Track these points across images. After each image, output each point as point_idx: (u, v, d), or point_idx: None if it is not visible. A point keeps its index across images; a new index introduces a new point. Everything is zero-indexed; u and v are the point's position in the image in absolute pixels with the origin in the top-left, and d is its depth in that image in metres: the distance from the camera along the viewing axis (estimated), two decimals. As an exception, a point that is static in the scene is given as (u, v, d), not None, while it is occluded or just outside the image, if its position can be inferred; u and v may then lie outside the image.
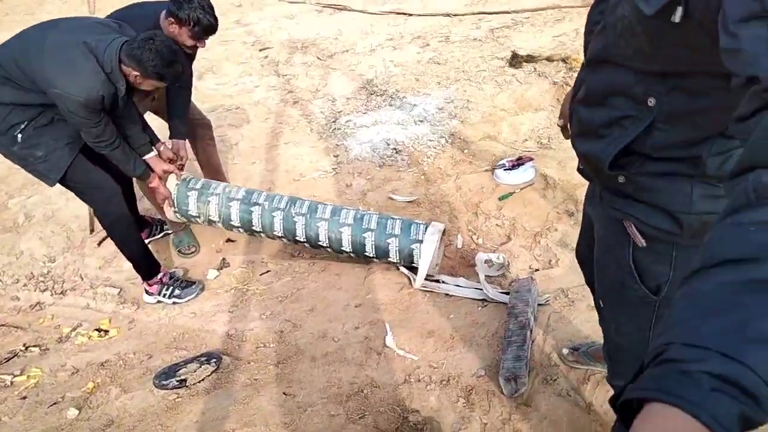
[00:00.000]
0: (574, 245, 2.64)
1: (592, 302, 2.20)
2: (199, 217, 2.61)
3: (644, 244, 1.10)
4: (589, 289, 2.32)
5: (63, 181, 2.41)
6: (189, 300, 2.64)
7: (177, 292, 2.63)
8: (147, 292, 2.66)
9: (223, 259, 2.88)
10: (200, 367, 2.12)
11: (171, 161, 2.55)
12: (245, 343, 2.30)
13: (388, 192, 3.13)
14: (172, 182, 2.57)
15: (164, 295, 2.63)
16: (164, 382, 2.06)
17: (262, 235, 2.59)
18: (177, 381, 2.05)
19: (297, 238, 2.52)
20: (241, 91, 4.47)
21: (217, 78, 4.74)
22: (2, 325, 2.65)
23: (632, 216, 1.09)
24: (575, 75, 3.87)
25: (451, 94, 4.03)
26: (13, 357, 2.41)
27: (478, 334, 2.20)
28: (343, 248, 2.49)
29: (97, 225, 3.26)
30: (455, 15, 5.32)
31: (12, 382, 2.25)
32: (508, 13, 5.11)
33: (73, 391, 2.17)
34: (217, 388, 2.06)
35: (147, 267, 2.62)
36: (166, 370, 2.13)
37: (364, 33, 5.31)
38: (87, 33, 2.13)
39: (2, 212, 3.41)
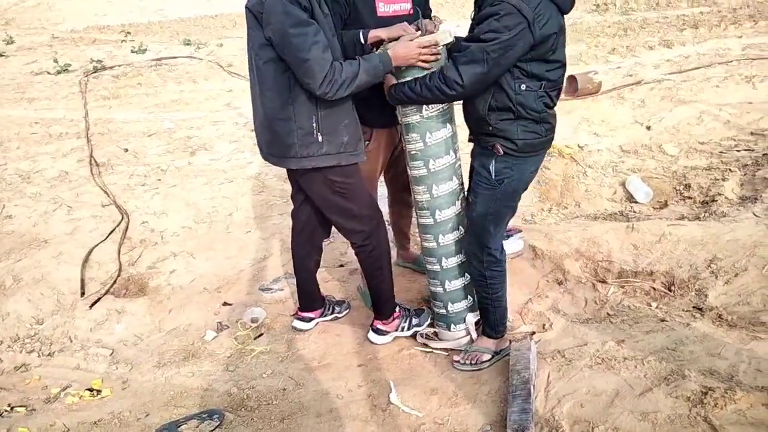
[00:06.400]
0: (566, 311, 2.78)
1: (589, 361, 2.31)
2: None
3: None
4: (584, 349, 2.43)
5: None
6: (427, 325, 2.57)
7: (415, 320, 2.57)
8: (379, 331, 2.55)
9: (220, 322, 2.88)
10: (202, 423, 2.08)
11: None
12: (247, 400, 2.27)
13: (383, 259, 3.23)
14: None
15: (402, 329, 2.55)
16: (166, 438, 2.01)
17: (420, 164, 2.26)
18: (179, 436, 2.00)
19: (436, 213, 2.33)
20: (234, 167, 4.63)
21: (210, 154, 4.91)
22: (-16, 386, 2.55)
23: None
24: (552, 158, 4.19)
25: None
26: (-2, 417, 2.31)
27: (482, 391, 2.24)
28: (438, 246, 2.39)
29: (89, 288, 3.25)
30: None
31: (-3, 442, 2.15)
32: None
33: (64, 450, 2.08)
34: (221, 444, 2.01)
35: (392, 301, 2.54)
36: (167, 426, 2.08)
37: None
38: None
39: (-13, 275, 3.36)
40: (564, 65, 2.10)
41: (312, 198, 2.36)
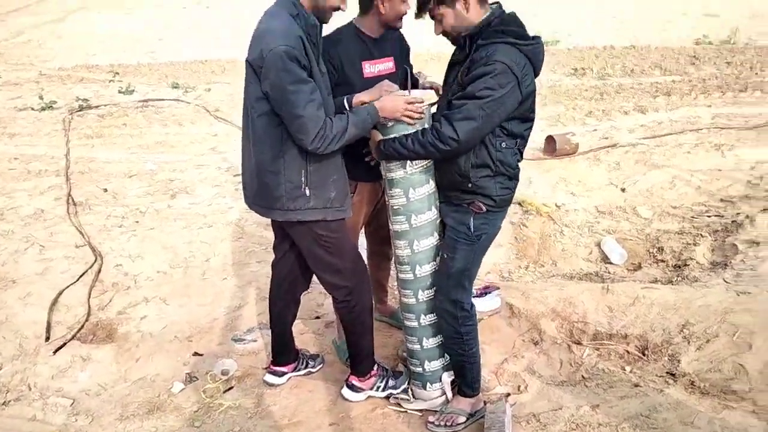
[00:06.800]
0: (541, 372, 2.76)
1: (563, 426, 2.29)
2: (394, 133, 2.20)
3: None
4: (559, 414, 2.41)
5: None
6: (402, 389, 2.52)
7: (392, 382, 2.54)
8: (354, 388, 2.52)
9: (189, 373, 2.80)
10: (163, 483, 1.98)
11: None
12: (212, 459, 2.18)
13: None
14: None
15: (378, 388, 2.52)
16: (123, 499, 1.91)
17: (400, 212, 2.29)
18: (138, 497, 1.90)
19: (416, 269, 2.34)
20: (215, 211, 4.61)
21: (191, 198, 4.89)
22: (-68, 437, 2.41)
23: None
24: (530, 216, 4.26)
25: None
26: (-56, 471, 2.17)
27: (454, 455, 2.19)
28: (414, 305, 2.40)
29: (54, 332, 3.14)
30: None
31: (-59, 499, 2.01)
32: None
33: None
34: (181, 506, 1.92)
35: (370, 359, 2.53)
36: (125, 486, 1.98)
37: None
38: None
39: (-52, 316, 3.23)
40: (533, 125, 2.23)
41: (300, 248, 2.35)
